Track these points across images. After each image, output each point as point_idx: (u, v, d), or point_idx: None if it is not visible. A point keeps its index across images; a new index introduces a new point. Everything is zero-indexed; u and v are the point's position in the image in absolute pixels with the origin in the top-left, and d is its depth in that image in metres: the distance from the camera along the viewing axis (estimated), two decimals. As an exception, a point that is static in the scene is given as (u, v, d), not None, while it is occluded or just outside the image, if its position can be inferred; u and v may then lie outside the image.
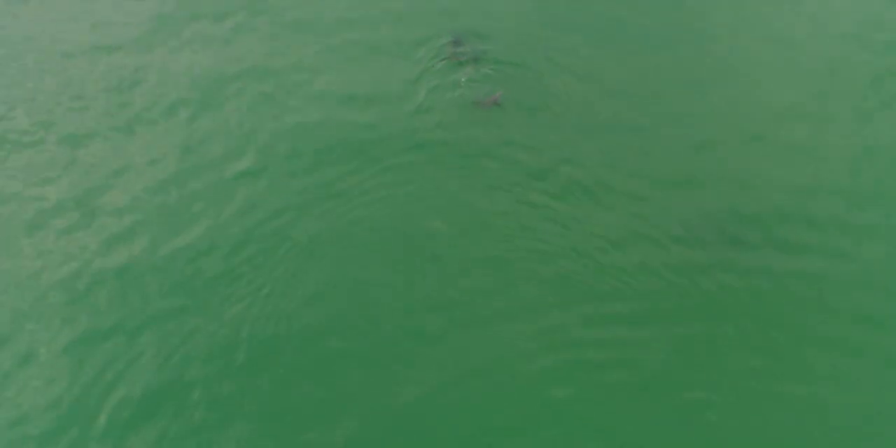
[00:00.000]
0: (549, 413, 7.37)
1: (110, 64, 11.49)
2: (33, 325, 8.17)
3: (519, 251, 8.73)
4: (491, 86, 10.59)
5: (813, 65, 11.07)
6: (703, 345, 7.93)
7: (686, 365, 7.78)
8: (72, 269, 8.63)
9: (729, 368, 7.74)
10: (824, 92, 10.65)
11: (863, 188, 9.42)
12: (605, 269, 8.56)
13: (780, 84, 10.80)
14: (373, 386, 7.62)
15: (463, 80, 10.58)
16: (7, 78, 11.34)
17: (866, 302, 8.29)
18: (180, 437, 7.21)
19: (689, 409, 7.43)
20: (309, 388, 7.65)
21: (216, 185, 9.54)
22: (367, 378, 7.69)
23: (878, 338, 8.04)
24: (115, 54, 11.66)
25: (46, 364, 7.83)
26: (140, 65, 11.42)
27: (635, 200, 9.30)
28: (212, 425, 7.29)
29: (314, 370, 7.78)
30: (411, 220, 9.06)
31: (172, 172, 9.73)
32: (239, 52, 11.55)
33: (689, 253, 8.73)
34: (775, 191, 9.42)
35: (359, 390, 7.59)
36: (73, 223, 9.15)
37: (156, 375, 7.67)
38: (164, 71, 11.31)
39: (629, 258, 8.67)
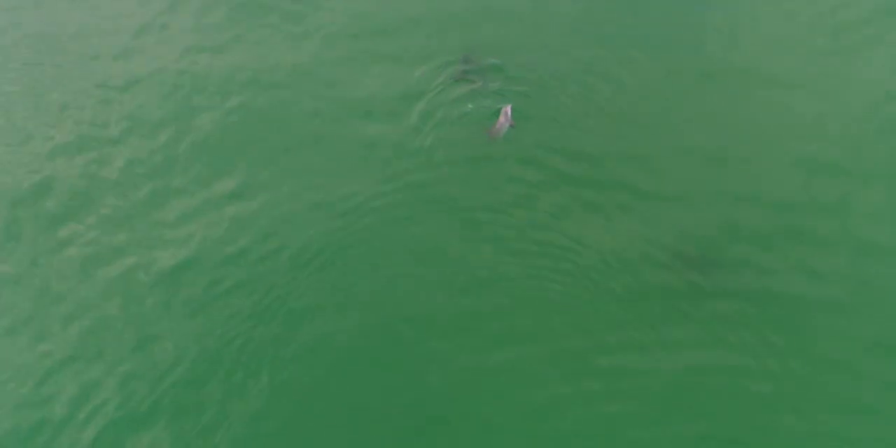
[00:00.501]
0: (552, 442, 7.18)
1: (102, 72, 11.31)
2: (12, 349, 8.01)
3: (522, 277, 8.47)
4: (501, 107, 10.13)
5: (831, 79, 10.70)
6: (711, 375, 7.65)
7: (693, 395, 7.51)
8: (57, 290, 8.47)
9: (738, 399, 7.48)
10: (841, 107, 10.26)
11: (881, 209, 9.08)
12: (613, 293, 8.30)
13: (796, 98, 10.45)
14: (372, 409, 7.47)
15: (470, 105, 10.18)
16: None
17: (881, 328, 7.98)
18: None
19: (692, 443, 7.19)
20: (304, 408, 7.50)
21: (206, 204, 9.32)
22: (367, 402, 7.53)
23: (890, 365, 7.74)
24: (112, 62, 11.48)
25: (28, 390, 7.68)
26: (133, 73, 11.22)
27: (645, 221, 9.00)
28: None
29: (310, 390, 7.61)
30: (415, 241, 8.82)
31: (161, 190, 9.49)
32: (236, 63, 11.32)
33: (700, 277, 8.43)
34: (789, 210, 9.11)
35: (357, 415, 7.44)
36: (54, 243, 9.00)
37: (136, 406, 7.47)
38: (156, 81, 11.09)
39: (637, 283, 8.39)
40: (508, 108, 9.84)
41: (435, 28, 11.60)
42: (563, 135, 9.96)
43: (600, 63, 10.87)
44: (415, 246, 8.77)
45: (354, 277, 8.49)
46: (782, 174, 9.48)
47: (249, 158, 9.86)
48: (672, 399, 7.50)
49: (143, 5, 12.35)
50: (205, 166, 9.79)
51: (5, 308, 8.42)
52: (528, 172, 9.52)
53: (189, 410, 7.43)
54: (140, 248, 8.88)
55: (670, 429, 7.26)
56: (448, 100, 10.40)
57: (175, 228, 9.05)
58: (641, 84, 10.61)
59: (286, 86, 10.88)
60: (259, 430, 7.30)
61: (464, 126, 10.07)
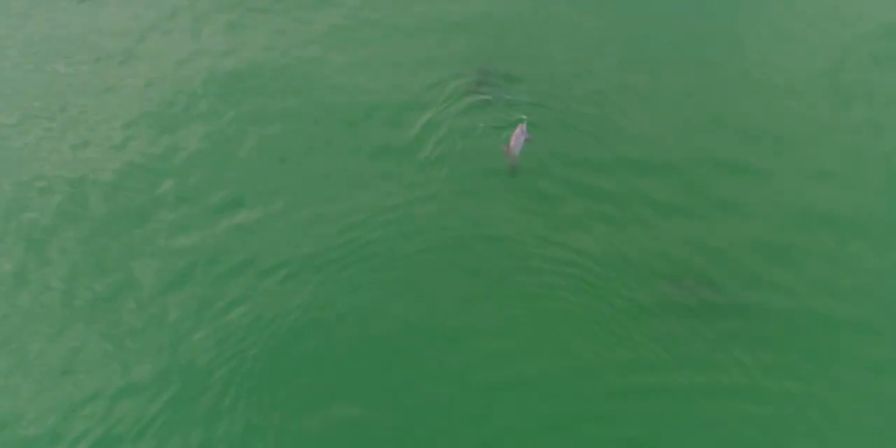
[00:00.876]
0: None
1: (106, 76, 11.20)
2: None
3: (530, 293, 8.19)
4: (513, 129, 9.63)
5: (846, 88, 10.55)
6: (725, 396, 7.36)
7: (705, 417, 7.25)
8: (44, 304, 8.25)
9: (750, 422, 7.21)
10: (859, 118, 10.13)
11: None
12: (623, 310, 8.01)
13: (819, 110, 10.24)
14: (374, 424, 7.26)
15: (481, 124, 9.78)
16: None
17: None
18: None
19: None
20: (301, 425, 7.22)
21: (201, 216, 9.07)
22: (369, 417, 7.30)
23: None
24: (116, 66, 11.40)
25: (12, 409, 7.44)
26: (137, 78, 11.12)
27: (659, 234, 8.74)
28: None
29: (307, 407, 7.35)
30: (419, 255, 8.55)
31: (157, 200, 9.26)
32: (238, 69, 11.16)
33: (714, 295, 8.15)
34: (808, 224, 8.86)
35: (359, 429, 7.22)
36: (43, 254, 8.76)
37: (127, 429, 7.18)
38: (159, 86, 10.90)
39: (649, 299, 8.12)
40: (524, 125, 9.36)
41: (449, 37, 11.41)
42: (576, 146, 9.72)
43: (617, 72, 10.70)
44: (421, 261, 8.49)
45: (356, 293, 8.23)
46: (802, 187, 9.25)
47: (248, 168, 9.64)
48: (682, 420, 7.25)
49: (149, 7, 12.28)
50: (202, 176, 9.57)
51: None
52: (540, 184, 9.27)
53: (181, 431, 7.17)
54: (131, 261, 8.64)
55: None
56: (458, 112, 10.15)
57: (169, 240, 8.82)
58: (659, 93, 10.45)
59: (288, 94, 10.67)
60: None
61: (474, 139, 9.78)
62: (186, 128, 10.24)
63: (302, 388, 7.48)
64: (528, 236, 8.73)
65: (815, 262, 8.50)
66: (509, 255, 8.55)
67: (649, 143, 9.75)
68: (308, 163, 9.70)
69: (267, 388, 7.45)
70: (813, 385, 7.45)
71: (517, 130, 9.21)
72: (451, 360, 7.67)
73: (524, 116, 9.67)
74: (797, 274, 8.36)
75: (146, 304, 8.25)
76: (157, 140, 10.10)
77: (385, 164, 9.56)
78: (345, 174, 9.49)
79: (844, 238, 8.71)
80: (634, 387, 7.47)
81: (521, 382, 7.51)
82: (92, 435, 7.16)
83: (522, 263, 8.46)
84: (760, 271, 8.39)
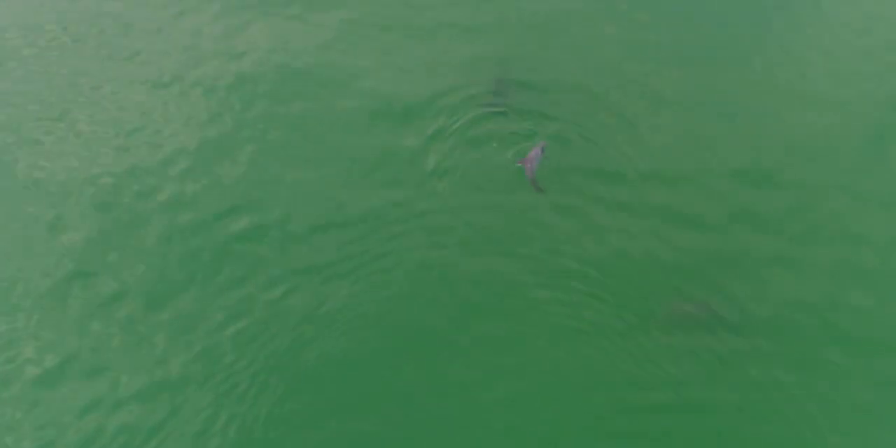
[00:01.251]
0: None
1: (113, 77, 11.00)
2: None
3: (538, 309, 8.02)
4: (530, 143, 9.47)
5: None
6: (741, 414, 7.20)
7: (720, 437, 7.11)
8: (36, 312, 8.11)
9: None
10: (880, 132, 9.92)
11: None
12: (635, 327, 7.83)
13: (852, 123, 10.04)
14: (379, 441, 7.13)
15: (494, 144, 9.44)
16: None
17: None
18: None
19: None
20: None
21: (198, 225, 8.87)
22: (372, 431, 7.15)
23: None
24: (123, 66, 11.17)
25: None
26: (146, 79, 10.91)
27: (674, 249, 8.53)
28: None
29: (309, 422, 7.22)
30: (428, 274, 8.35)
31: (154, 207, 9.09)
32: (246, 71, 10.96)
33: (728, 311, 7.97)
34: (830, 241, 8.67)
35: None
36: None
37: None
38: (167, 90, 10.72)
39: (661, 316, 7.95)
40: (544, 143, 9.12)
41: (462, 44, 11.14)
42: (589, 157, 9.49)
43: (634, 82, 10.45)
44: (427, 275, 8.30)
45: (359, 307, 8.03)
46: (816, 200, 9.07)
47: (249, 176, 9.42)
48: (694, 438, 7.13)
49: (155, 9, 12.10)
50: (204, 183, 9.34)
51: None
52: (551, 196, 9.02)
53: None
54: (128, 269, 8.46)
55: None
56: (470, 122, 9.86)
57: (167, 249, 8.61)
58: (675, 102, 10.22)
59: (294, 99, 10.43)
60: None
61: (485, 152, 9.51)
62: (189, 132, 10.04)
63: (302, 405, 7.32)
64: (537, 250, 8.53)
65: (830, 278, 8.33)
66: (518, 269, 8.36)
67: (665, 154, 9.57)
68: (312, 171, 9.48)
69: (266, 405, 7.30)
70: (827, 403, 7.31)
71: (536, 148, 8.99)
72: (457, 375, 7.52)
73: (543, 138, 9.45)
74: (812, 289, 8.21)
75: (142, 315, 8.08)
76: (159, 145, 9.90)
77: (392, 174, 9.34)
78: (349, 184, 9.28)
79: (859, 253, 8.55)
80: (646, 403, 7.32)
81: (530, 397, 7.36)
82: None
83: (532, 278, 8.28)
84: (775, 286, 8.23)
